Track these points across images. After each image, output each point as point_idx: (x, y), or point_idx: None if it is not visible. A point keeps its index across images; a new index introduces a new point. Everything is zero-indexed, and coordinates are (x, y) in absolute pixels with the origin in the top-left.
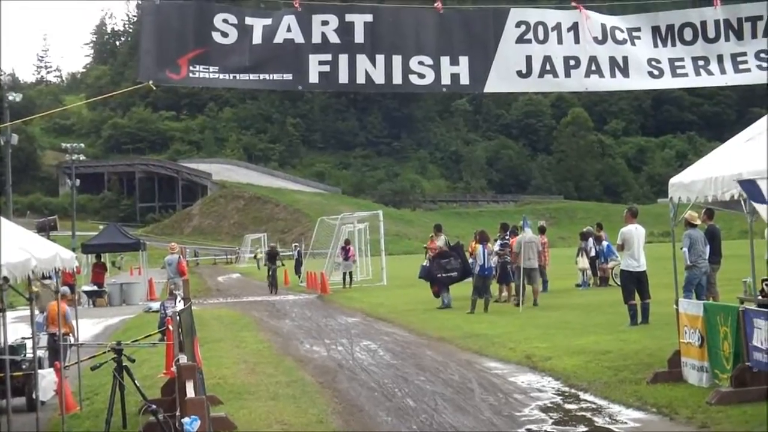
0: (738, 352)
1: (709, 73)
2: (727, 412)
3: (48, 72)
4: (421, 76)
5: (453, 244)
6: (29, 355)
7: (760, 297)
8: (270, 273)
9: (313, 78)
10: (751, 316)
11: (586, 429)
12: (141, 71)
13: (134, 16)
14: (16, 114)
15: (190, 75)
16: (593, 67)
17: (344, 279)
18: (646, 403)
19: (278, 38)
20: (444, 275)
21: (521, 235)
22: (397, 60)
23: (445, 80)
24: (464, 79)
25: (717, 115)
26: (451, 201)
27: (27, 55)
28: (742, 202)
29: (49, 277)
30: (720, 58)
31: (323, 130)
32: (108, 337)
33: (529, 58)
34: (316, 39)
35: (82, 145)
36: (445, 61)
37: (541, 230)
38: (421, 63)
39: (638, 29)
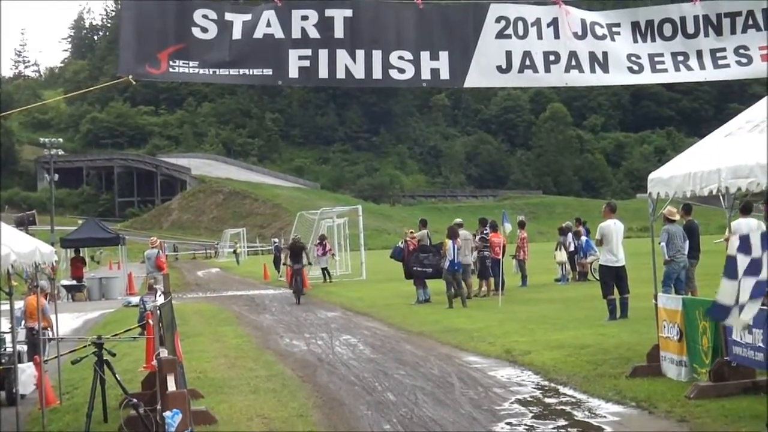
0: (717, 346)
1: (689, 68)
2: (706, 406)
3: (26, 67)
4: (401, 71)
5: (435, 244)
6: (9, 349)
7: None
8: (294, 277)
9: (293, 73)
10: None
11: (565, 423)
12: (120, 66)
13: (113, 10)
14: None
15: (170, 70)
16: (573, 63)
17: (324, 275)
18: (625, 397)
19: (258, 33)
20: (420, 269)
21: (462, 233)
22: (377, 55)
23: (425, 75)
24: (444, 74)
25: (695, 111)
26: (430, 196)
27: (4, 50)
28: (721, 198)
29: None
30: (699, 54)
31: (302, 125)
32: (88, 331)
33: (509, 53)
34: (296, 34)
35: (61, 139)
36: (425, 56)
37: (521, 225)
38: (401, 58)
39: (618, 25)
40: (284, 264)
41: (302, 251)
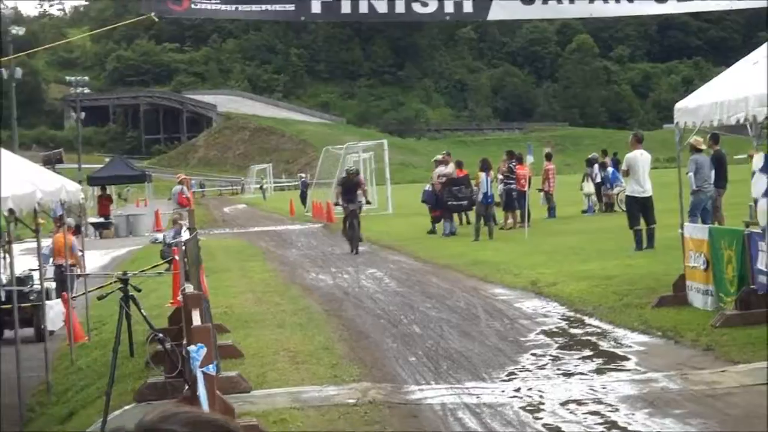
0: (743, 275)
1: None
2: (732, 335)
3: (51, 5)
4: (424, 4)
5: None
6: (37, 287)
7: None
8: (348, 220)
9: (316, 8)
10: (755, 240)
11: (591, 353)
12: (144, 3)
13: None
14: (19, 48)
15: (192, 6)
16: None
17: None
18: (651, 326)
19: None
20: (455, 203)
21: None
22: None
23: (449, 8)
24: (467, 7)
25: (723, 40)
26: (456, 129)
27: None
28: (748, 127)
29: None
30: None
31: (327, 60)
32: (115, 268)
33: None
34: None
35: (87, 78)
36: None
37: (548, 157)
38: None
39: None
40: (336, 204)
41: (358, 187)
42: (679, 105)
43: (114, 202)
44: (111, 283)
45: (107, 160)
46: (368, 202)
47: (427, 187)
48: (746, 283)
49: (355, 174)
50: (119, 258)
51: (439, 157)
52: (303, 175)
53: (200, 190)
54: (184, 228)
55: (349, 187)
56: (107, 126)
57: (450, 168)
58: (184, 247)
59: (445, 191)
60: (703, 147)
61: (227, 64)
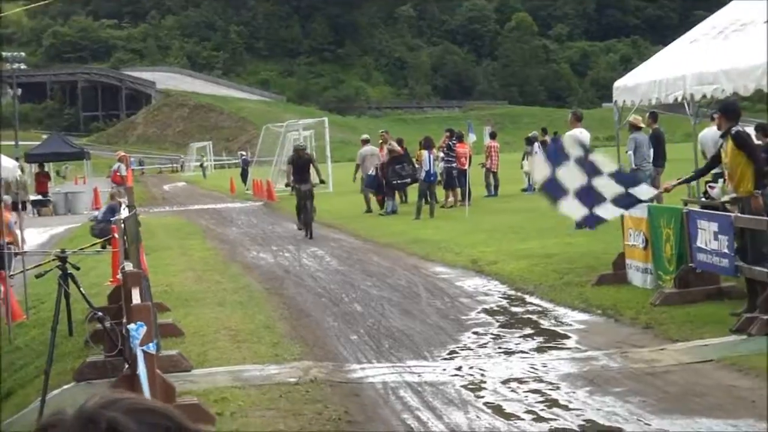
0: (681, 253)
1: None
2: (671, 313)
3: None
4: None
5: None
6: None
7: (703, 199)
8: (302, 201)
9: None
10: (694, 218)
11: (531, 331)
12: None
13: None
14: None
15: None
16: None
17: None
18: (591, 305)
19: None
20: (399, 181)
21: (363, 149)
22: None
23: None
24: None
25: (660, 19)
26: (396, 107)
27: None
28: (686, 105)
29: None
30: None
31: (267, 37)
32: (53, 246)
33: None
34: None
35: (23, 54)
36: None
37: (492, 136)
38: None
39: None
40: (288, 185)
41: (310, 164)
42: (617, 83)
43: (52, 179)
44: (49, 261)
45: (45, 137)
46: (322, 182)
47: (371, 171)
48: (685, 261)
49: (303, 150)
50: (58, 236)
51: (365, 136)
52: (244, 153)
53: (139, 167)
54: (123, 206)
55: (301, 166)
56: (44, 103)
57: (395, 145)
58: (123, 225)
59: (389, 169)
60: (643, 125)
61: (166, 40)
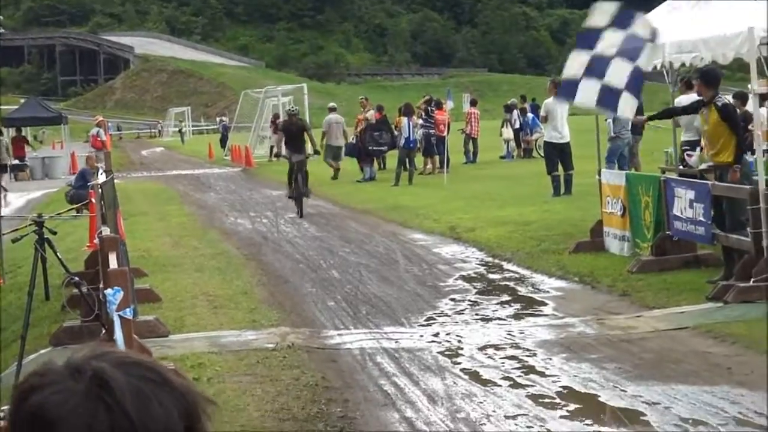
0: (659, 221)
1: None
2: (648, 280)
3: None
4: None
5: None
6: None
7: (681, 167)
8: (294, 174)
9: None
10: (672, 186)
11: (509, 298)
12: None
13: None
14: None
15: None
16: None
17: (271, 152)
18: (568, 272)
19: None
20: (376, 148)
21: (328, 116)
22: None
23: None
24: None
25: None
26: (375, 74)
27: None
28: (665, 73)
29: None
30: None
31: (246, 2)
32: (30, 211)
33: None
34: None
35: (1, 17)
36: None
37: (473, 103)
38: None
39: None
40: (277, 156)
41: (303, 132)
42: None
43: (30, 143)
44: (26, 226)
45: (22, 101)
46: (317, 152)
47: (352, 139)
48: (662, 229)
49: (296, 115)
50: (34, 200)
51: (332, 104)
52: (224, 118)
53: (117, 132)
54: (101, 171)
55: (294, 134)
56: (22, 67)
57: (370, 113)
58: (100, 190)
59: (366, 136)
60: None
61: (144, 5)
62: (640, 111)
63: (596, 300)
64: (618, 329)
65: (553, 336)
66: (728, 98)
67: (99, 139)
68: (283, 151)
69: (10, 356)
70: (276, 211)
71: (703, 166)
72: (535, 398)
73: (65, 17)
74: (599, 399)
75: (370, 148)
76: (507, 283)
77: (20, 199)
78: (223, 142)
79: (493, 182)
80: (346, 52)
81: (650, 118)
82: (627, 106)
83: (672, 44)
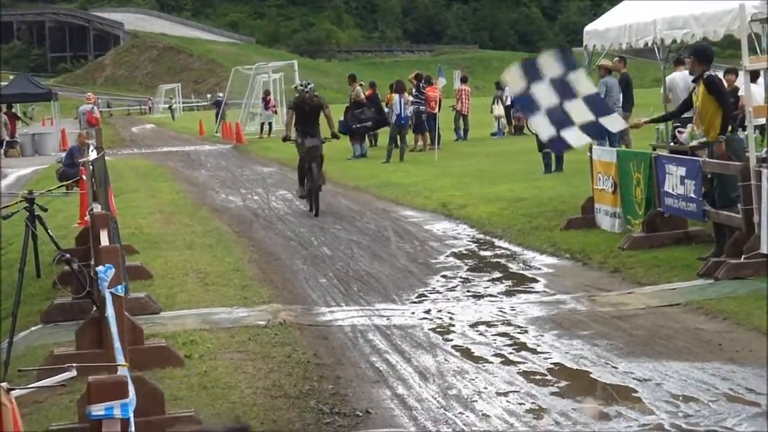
0: (650, 197)
1: None
2: (639, 257)
3: None
4: None
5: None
6: None
7: (672, 143)
8: (307, 163)
9: None
10: (663, 162)
11: (500, 275)
12: None
13: None
14: None
15: None
16: None
17: (261, 128)
18: (559, 249)
19: None
20: (358, 126)
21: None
22: None
23: None
24: None
25: None
26: (366, 51)
27: None
28: (656, 50)
29: None
30: None
31: None
32: (21, 188)
33: None
34: None
35: None
36: None
37: (463, 80)
38: None
39: None
40: (286, 138)
41: (320, 111)
42: (588, 28)
43: (20, 120)
44: (16, 203)
45: (12, 77)
46: (335, 136)
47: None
48: (653, 205)
49: (312, 92)
50: (25, 177)
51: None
52: (219, 94)
53: (107, 109)
54: (91, 147)
55: (307, 113)
56: (12, 43)
57: (355, 91)
58: (91, 167)
59: (348, 114)
60: (624, 69)
61: None
62: (630, 86)
63: (587, 277)
64: (609, 306)
65: (545, 313)
66: (719, 74)
67: (94, 115)
68: (293, 134)
69: (2, 333)
70: (267, 188)
71: (694, 143)
72: (527, 375)
73: None
74: (591, 375)
75: (352, 125)
76: (498, 260)
77: (10, 176)
78: (219, 117)
79: (485, 159)
80: (336, 29)
81: (653, 121)
82: (616, 123)
83: (663, 20)
